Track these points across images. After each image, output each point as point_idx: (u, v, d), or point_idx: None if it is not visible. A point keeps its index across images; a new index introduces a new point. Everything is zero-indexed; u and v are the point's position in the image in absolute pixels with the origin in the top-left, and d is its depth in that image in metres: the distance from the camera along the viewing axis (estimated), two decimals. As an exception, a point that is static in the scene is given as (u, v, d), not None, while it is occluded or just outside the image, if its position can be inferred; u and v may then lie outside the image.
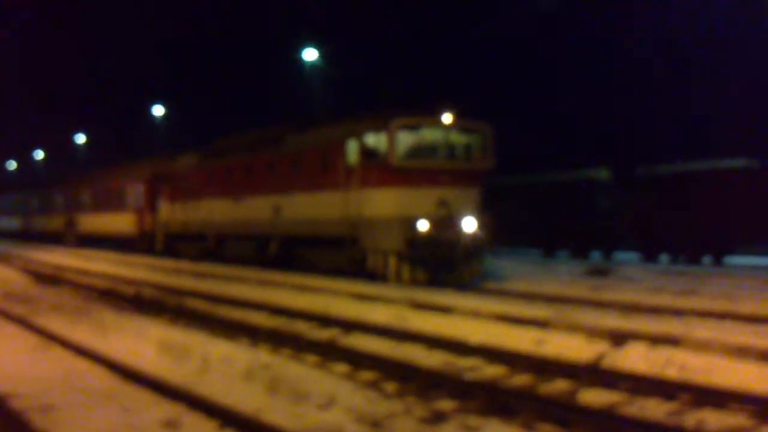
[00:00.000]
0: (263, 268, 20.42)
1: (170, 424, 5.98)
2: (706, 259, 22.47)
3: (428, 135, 16.02)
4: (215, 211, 23.67)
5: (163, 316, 12.56)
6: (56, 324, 11.30)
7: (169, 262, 24.76)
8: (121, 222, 32.31)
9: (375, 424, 5.93)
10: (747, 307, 11.86)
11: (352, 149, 16.63)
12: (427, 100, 16.37)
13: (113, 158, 48.06)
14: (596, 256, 25.94)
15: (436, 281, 15.40)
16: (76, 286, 17.84)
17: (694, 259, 22.61)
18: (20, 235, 51.32)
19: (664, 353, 8.10)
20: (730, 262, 22.14)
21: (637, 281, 16.67)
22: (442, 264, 15.52)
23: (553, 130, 39.64)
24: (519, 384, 7.37)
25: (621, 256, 25.44)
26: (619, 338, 8.84)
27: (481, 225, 15.81)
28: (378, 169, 15.88)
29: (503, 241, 24.41)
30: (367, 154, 16.23)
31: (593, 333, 9.24)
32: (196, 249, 25.53)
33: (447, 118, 15.86)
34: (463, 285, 15.48)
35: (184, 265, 23.49)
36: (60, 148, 69.92)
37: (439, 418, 6.13)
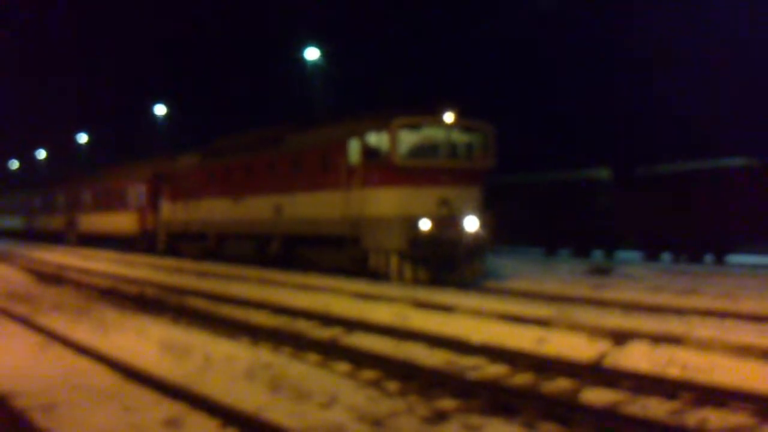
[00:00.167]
0: (264, 268, 20.43)
1: (172, 423, 5.99)
2: (708, 258, 22.47)
3: (430, 134, 16.02)
4: (216, 210, 23.69)
5: (165, 315, 12.56)
6: (58, 323, 11.31)
7: (170, 262, 24.77)
8: (122, 221, 32.34)
9: (377, 423, 5.93)
10: (748, 305, 11.86)
11: (354, 149, 16.63)
12: (428, 99, 16.38)
13: (115, 158, 48.13)
14: (598, 255, 25.95)
15: (437, 280, 15.40)
16: (78, 285, 17.85)
17: (695, 258, 22.61)
18: (22, 234, 51.38)
19: (665, 352, 8.10)
20: (731, 261, 22.13)
21: (639, 280, 16.67)
22: (443, 263, 15.52)
23: (553, 129, 39.66)
24: (521, 383, 7.36)
25: (622, 255, 25.45)
26: (620, 337, 8.83)
27: (483, 224, 15.82)
28: (379, 169, 15.88)
29: (505, 240, 24.41)
30: (369, 153, 16.23)
31: (595, 332, 9.24)
32: (198, 248, 25.54)
33: (448, 117, 15.86)
34: (465, 284, 15.48)
35: (186, 264, 23.50)
36: (62, 147, 70.03)
37: (440, 417, 6.13)
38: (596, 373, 7.49)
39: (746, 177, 21.66)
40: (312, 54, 33.24)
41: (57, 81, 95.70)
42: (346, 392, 6.81)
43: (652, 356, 8.04)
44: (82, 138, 64.80)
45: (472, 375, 7.66)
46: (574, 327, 9.67)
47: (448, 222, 15.46)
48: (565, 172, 27.71)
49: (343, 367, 8.30)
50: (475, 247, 15.82)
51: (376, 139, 16.09)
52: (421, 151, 15.91)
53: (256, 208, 21.11)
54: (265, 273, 18.95)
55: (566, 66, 40.59)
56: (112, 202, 34.03)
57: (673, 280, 16.35)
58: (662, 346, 8.36)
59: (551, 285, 15.73)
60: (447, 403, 6.62)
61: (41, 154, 74.90)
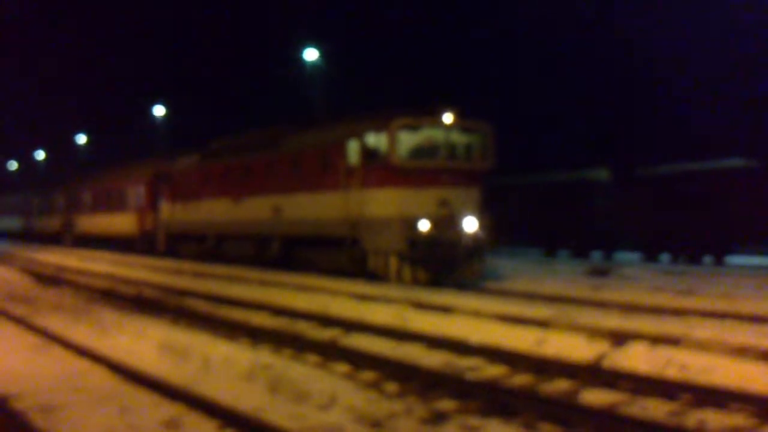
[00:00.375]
0: (264, 269, 20.43)
1: (171, 424, 5.99)
2: (707, 259, 22.48)
3: (429, 135, 16.02)
4: (216, 211, 23.68)
5: (164, 316, 12.56)
6: (57, 324, 11.31)
7: (169, 263, 24.76)
8: (122, 222, 32.33)
9: (376, 424, 5.93)
10: (747, 306, 11.86)
11: (353, 149, 16.63)
12: (427, 99, 16.41)
13: (114, 158, 48.09)
14: (597, 256, 25.95)
15: (436, 281, 15.41)
16: (77, 287, 17.84)
17: (694, 259, 22.62)
18: (21, 235, 51.36)
19: (664, 353, 8.10)
20: (730, 261, 22.14)
21: (638, 281, 16.68)
22: (442, 264, 15.52)
23: (553, 130, 39.69)
24: (520, 384, 7.37)
25: (621, 256, 25.45)
26: (619, 338, 8.83)
27: (482, 225, 15.82)
28: (379, 169, 15.88)
29: (504, 241, 24.41)
30: (368, 154, 16.23)
31: (594, 333, 9.24)
32: (197, 249, 25.54)
33: (448, 118, 15.86)
34: (464, 285, 15.49)
35: (185, 265, 23.49)
36: (61, 148, 70.00)
37: (439, 418, 6.13)
38: (595, 374, 7.50)
39: (745, 178, 21.67)
40: (311, 55, 33.26)
41: (56, 82, 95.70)
42: (345, 393, 6.81)
43: (651, 357, 8.04)
44: (81, 139, 64.80)
45: (471, 376, 7.66)
46: (573, 328, 9.66)
47: (447, 223, 15.46)
48: (565, 173, 27.73)
49: (343, 368, 8.30)
50: (474, 248, 15.82)
51: (375, 139, 16.10)
52: (420, 151, 15.91)
53: (255, 209, 21.11)
54: (265, 274, 18.95)
55: (565, 66, 40.62)
56: (111, 202, 34.02)
57: (672, 281, 16.35)
58: (661, 347, 8.36)
59: (550, 286, 15.73)
60: (446, 404, 6.62)
61: (40, 154, 74.90)
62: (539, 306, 12.08)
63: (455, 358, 8.54)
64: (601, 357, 8.27)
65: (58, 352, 9.24)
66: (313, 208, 18.15)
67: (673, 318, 10.87)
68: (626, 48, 37.20)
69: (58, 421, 6.12)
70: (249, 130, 24.65)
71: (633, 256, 24.84)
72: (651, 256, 24.00)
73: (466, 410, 6.44)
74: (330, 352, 8.92)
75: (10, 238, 52.89)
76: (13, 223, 54.30)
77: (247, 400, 6.62)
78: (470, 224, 15.65)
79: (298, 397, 6.74)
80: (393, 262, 15.70)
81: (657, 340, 8.62)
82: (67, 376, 7.78)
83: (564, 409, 6.26)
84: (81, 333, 10.48)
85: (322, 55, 33.33)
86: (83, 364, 8.44)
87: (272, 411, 6.25)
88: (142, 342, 9.70)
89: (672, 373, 7.48)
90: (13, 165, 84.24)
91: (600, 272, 18.58)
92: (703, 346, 8.30)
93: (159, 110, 49.23)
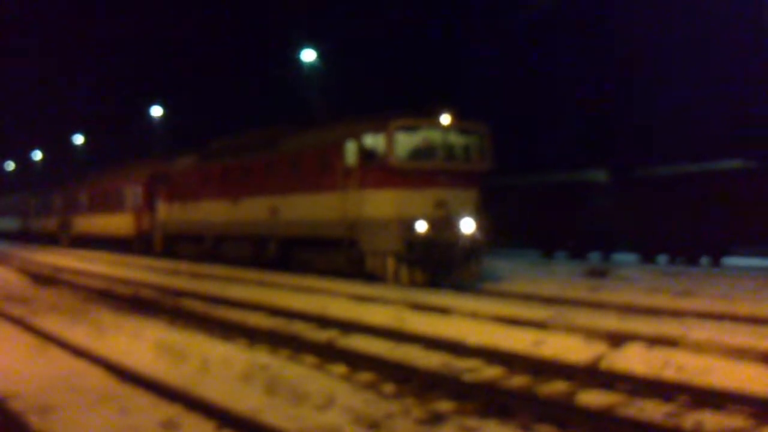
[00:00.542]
0: (261, 270, 20.42)
1: (168, 425, 5.98)
2: (705, 260, 22.50)
3: (427, 136, 16.02)
4: (213, 212, 23.66)
5: (161, 317, 12.54)
6: (54, 325, 11.29)
7: (167, 263, 24.74)
8: (119, 223, 32.30)
9: (373, 425, 5.93)
10: (745, 308, 11.87)
11: (351, 150, 16.63)
12: (425, 100, 16.40)
13: (111, 159, 48.04)
14: (595, 257, 25.96)
15: (434, 282, 15.40)
16: (74, 287, 17.82)
17: (692, 260, 22.64)
18: (19, 236, 51.31)
19: (662, 354, 8.10)
20: (728, 263, 22.16)
21: (636, 282, 16.68)
22: (440, 265, 15.52)
23: (552, 130, 39.69)
24: (517, 385, 7.37)
25: (619, 257, 25.46)
26: (617, 339, 8.84)
27: (480, 226, 15.82)
28: (376, 170, 15.88)
29: (501, 242, 24.42)
30: (366, 155, 16.23)
31: (591, 334, 9.24)
32: (195, 250, 25.51)
33: (445, 119, 15.87)
34: (462, 286, 15.48)
35: (182, 266, 23.47)
36: (58, 148, 69.89)
37: (437, 419, 6.13)
38: (593, 375, 7.51)
39: (743, 179, 21.69)
40: (309, 56, 33.25)
41: (54, 82, 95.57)
42: (342, 394, 6.80)
43: (648, 358, 8.04)
44: (79, 139, 64.71)
45: (469, 377, 7.67)
46: (571, 329, 9.67)
47: (444, 224, 15.46)
48: (563, 174, 27.73)
49: (340, 369, 8.30)
50: (472, 249, 15.82)
51: (373, 140, 16.10)
52: (418, 153, 15.92)
53: (252, 210, 21.10)
54: (262, 275, 18.94)
55: (565, 66, 40.64)
56: (108, 203, 33.99)
57: (669, 283, 16.36)
58: (659, 348, 8.36)
59: (548, 287, 15.73)
60: (443, 405, 6.63)
61: (37, 155, 74.79)
62: (537, 307, 12.08)
63: (453, 359, 8.54)
64: (598, 358, 8.27)
65: (55, 352, 9.22)
66: (311, 208, 18.14)
67: (670, 319, 10.87)
68: (626, 48, 37.19)
69: (56, 421, 6.11)
70: (247, 130, 24.65)
71: (631, 258, 24.85)
72: (649, 258, 24.02)
73: (463, 411, 6.45)
74: (327, 353, 8.92)
75: (8, 239, 52.83)
76: (10, 223, 54.26)
77: (245, 400, 6.62)
78: (468, 225, 15.65)
79: (296, 398, 6.73)
80: (390, 263, 15.69)
81: (654, 341, 8.63)
82: (65, 376, 7.77)
83: (561, 410, 6.27)
84: (78, 333, 10.46)
85: (320, 55, 33.33)
86: (81, 365, 8.43)
87: (270, 412, 6.25)
88: (140, 342, 9.69)
89: (669, 374, 7.49)
90: (10, 165, 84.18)
91: (598, 273, 18.58)
92: (700, 347, 8.31)
93: (157, 111, 49.18)
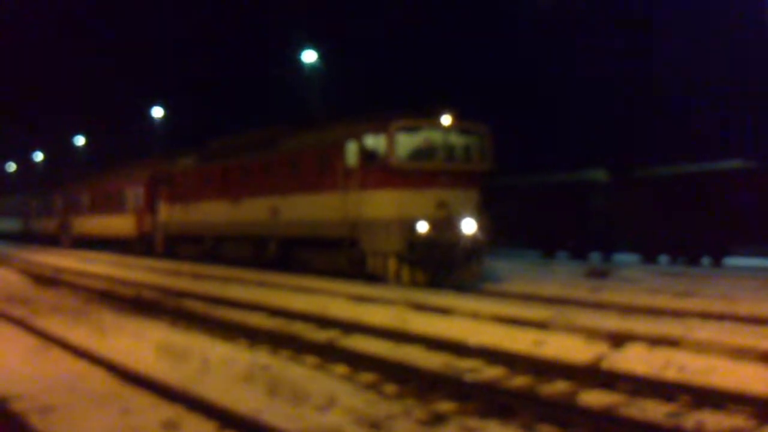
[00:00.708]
0: (262, 270, 20.42)
1: (169, 425, 5.98)
2: (705, 261, 22.49)
3: (427, 137, 16.03)
4: (214, 212, 23.67)
5: (162, 317, 12.55)
6: (55, 325, 11.30)
7: (168, 264, 24.75)
8: (120, 224, 32.31)
9: (374, 425, 5.93)
10: (746, 308, 11.88)
11: (352, 151, 16.64)
12: (426, 100, 16.42)
13: (112, 160, 48.03)
14: (595, 257, 25.96)
15: (435, 283, 15.40)
16: (76, 288, 17.82)
17: (693, 261, 22.63)
18: (20, 237, 51.32)
19: (663, 354, 8.11)
20: (729, 263, 22.16)
21: (637, 282, 16.68)
22: (441, 265, 15.52)
23: (552, 131, 39.70)
24: (518, 385, 7.37)
25: (620, 257, 25.45)
26: (618, 339, 8.84)
27: (480, 226, 15.82)
28: (377, 171, 15.89)
29: (502, 243, 24.42)
30: (367, 155, 16.24)
31: (592, 334, 9.25)
32: (195, 250, 25.52)
33: (446, 119, 15.88)
34: (463, 286, 15.49)
35: (183, 266, 23.48)
36: (59, 149, 69.90)
37: (438, 419, 6.13)
38: (594, 375, 7.50)
39: (744, 179, 21.69)
40: (309, 56, 33.26)
41: (55, 83, 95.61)
42: (343, 395, 6.81)
43: (649, 358, 8.05)
44: (80, 140, 64.74)
45: (470, 377, 7.66)
46: (572, 329, 9.67)
47: (445, 224, 15.47)
48: (563, 174, 27.73)
49: (341, 369, 8.30)
50: (473, 250, 15.83)
51: (374, 141, 16.10)
52: (418, 153, 15.92)
53: (253, 210, 21.10)
54: (263, 275, 18.94)
55: (565, 66, 40.63)
56: (109, 204, 34.00)
57: (670, 283, 16.36)
58: (660, 348, 8.37)
59: (549, 287, 15.74)
60: (444, 406, 6.63)
61: (38, 156, 74.82)
62: (538, 307, 12.09)
63: (454, 360, 8.54)
64: (599, 358, 8.27)
65: (57, 353, 9.23)
66: (311, 209, 18.15)
67: (671, 319, 10.87)
68: (625, 47, 37.20)
69: (57, 422, 6.12)
70: (247, 131, 24.65)
71: (631, 258, 24.84)
72: (650, 258, 24.01)
73: (464, 411, 6.45)
74: (328, 353, 8.92)
75: (9, 240, 52.85)
76: (11, 224, 54.27)
77: (246, 401, 6.62)
78: (469, 226, 15.65)
79: (297, 398, 6.73)
80: (391, 264, 15.69)
81: (655, 341, 8.63)
82: (66, 377, 7.77)
83: (563, 411, 6.27)
84: (80, 334, 10.47)
85: (320, 56, 33.35)
86: (82, 366, 8.43)
87: (271, 412, 6.25)
88: (141, 343, 9.69)
89: (670, 374, 7.49)
90: (11, 166, 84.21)
91: (598, 274, 18.58)
92: (701, 347, 8.31)
93: (157, 111, 49.21)
